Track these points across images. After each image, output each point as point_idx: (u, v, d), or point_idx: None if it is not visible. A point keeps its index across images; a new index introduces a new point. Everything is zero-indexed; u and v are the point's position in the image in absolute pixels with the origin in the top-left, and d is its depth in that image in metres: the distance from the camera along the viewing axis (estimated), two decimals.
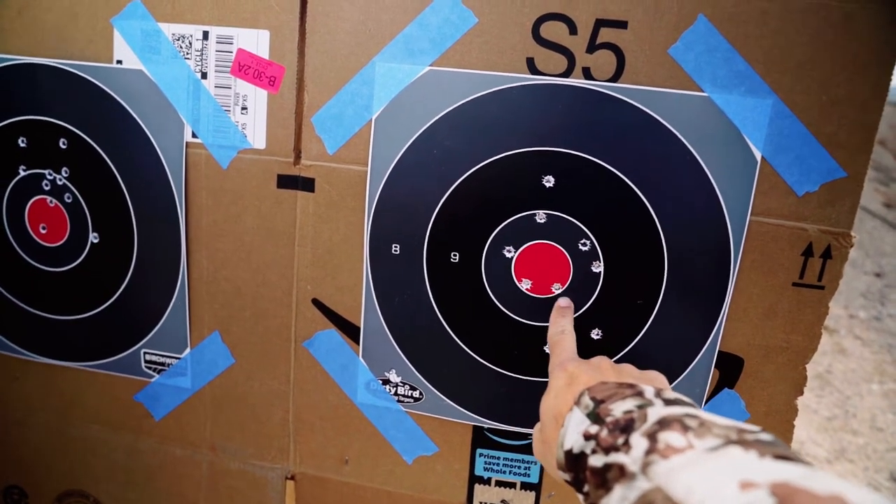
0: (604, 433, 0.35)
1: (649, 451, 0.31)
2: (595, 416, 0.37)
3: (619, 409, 0.36)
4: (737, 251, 0.52)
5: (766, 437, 0.30)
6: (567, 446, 0.38)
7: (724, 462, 0.28)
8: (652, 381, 0.43)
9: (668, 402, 0.36)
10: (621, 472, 0.32)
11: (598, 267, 0.54)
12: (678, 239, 0.53)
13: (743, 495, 0.25)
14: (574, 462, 0.37)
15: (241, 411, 0.65)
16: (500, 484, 0.62)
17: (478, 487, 0.62)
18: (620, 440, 0.33)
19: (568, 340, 0.51)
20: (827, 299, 0.53)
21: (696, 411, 0.34)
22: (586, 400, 0.38)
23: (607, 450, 0.34)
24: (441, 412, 0.60)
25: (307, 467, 0.65)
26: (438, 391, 0.60)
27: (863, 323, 1.89)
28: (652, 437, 0.32)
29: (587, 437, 0.36)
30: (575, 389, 0.42)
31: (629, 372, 0.44)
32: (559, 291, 0.55)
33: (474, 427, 0.61)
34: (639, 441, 0.32)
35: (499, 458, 0.61)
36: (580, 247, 0.54)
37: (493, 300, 0.57)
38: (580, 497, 0.38)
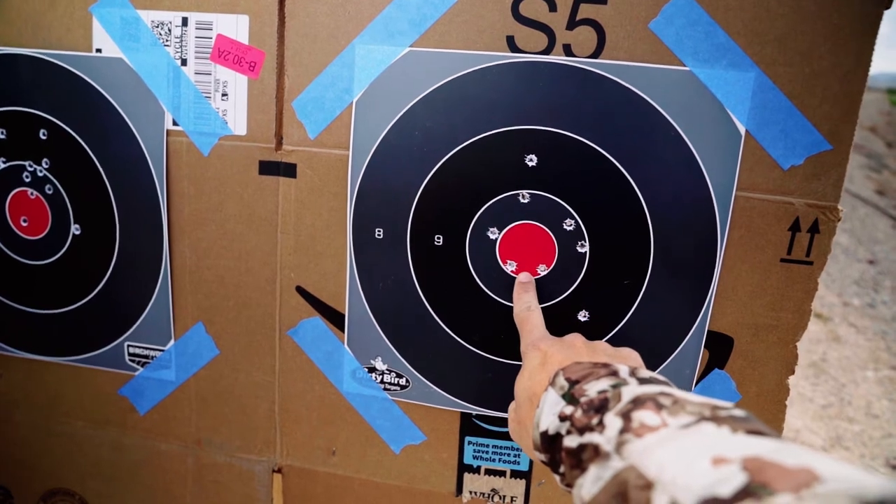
0: (578, 413, 0.35)
1: (623, 431, 0.31)
2: (570, 397, 0.36)
3: (593, 389, 0.35)
4: (723, 227, 0.52)
5: (739, 413, 0.30)
6: (542, 427, 0.37)
7: (696, 438, 0.28)
8: (626, 359, 0.43)
9: (643, 381, 0.35)
10: (596, 453, 0.32)
11: (584, 247, 0.54)
12: (664, 216, 0.52)
13: (715, 471, 0.25)
14: (550, 443, 0.37)
15: (226, 403, 0.64)
16: (489, 472, 0.61)
17: (467, 476, 0.61)
18: (595, 420, 0.33)
19: (536, 317, 0.50)
20: (816, 275, 0.52)
21: (670, 389, 0.34)
22: (561, 381, 0.38)
23: (581, 430, 0.34)
24: (428, 399, 0.59)
25: (294, 459, 0.64)
26: (425, 378, 0.59)
27: (857, 310, 1.88)
28: (626, 416, 0.32)
29: (562, 418, 0.36)
30: (549, 369, 0.41)
31: (603, 350, 0.44)
32: (545, 273, 0.55)
33: (462, 414, 0.60)
34: (613, 420, 0.32)
35: (487, 445, 0.60)
36: (565, 226, 0.53)
37: (478, 283, 0.56)
38: (556, 478, 0.37)
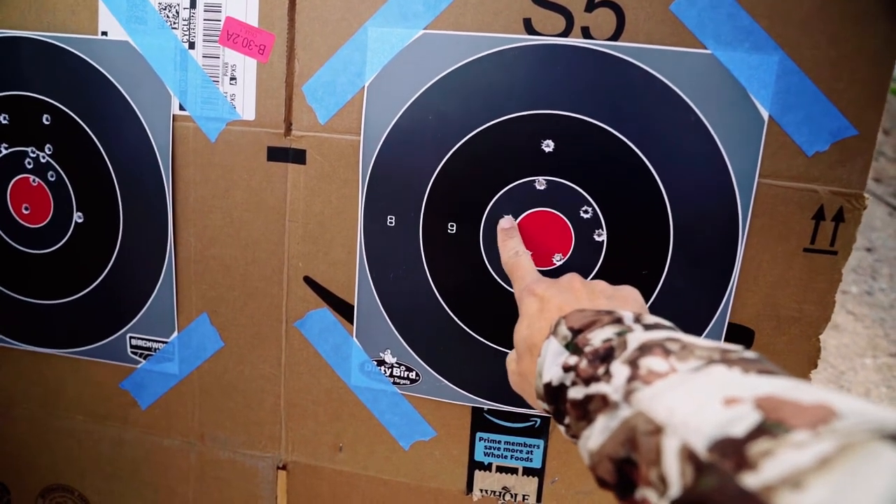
0: (583, 364, 0.33)
1: (631, 379, 0.30)
2: (574, 347, 0.35)
3: (597, 337, 0.34)
4: (745, 216, 0.50)
5: (750, 354, 0.29)
6: (546, 379, 0.36)
7: (706, 380, 0.27)
8: (626, 300, 0.41)
9: (648, 327, 0.34)
10: (604, 403, 0.31)
11: (601, 235, 0.52)
12: (684, 204, 0.51)
13: (727, 411, 0.24)
14: (554, 395, 0.36)
15: (230, 397, 0.62)
16: (501, 469, 0.59)
17: (478, 474, 0.60)
18: (601, 370, 0.32)
19: (526, 261, 0.48)
20: (840, 265, 0.51)
21: (677, 334, 0.33)
22: (563, 330, 0.36)
23: (587, 381, 0.33)
24: (438, 394, 0.58)
25: (300, 455, 0.62)
26: (435, 372, 0.57)
27: (855, 298, 1.87)
28: (633, 363, 0.31)
29: (566, 368, 0.35)
30: (548, 316, 0.40)
31: (601, 290, 0.42)
32: (561, 262, 0.53)
33: (473, 409, 0.58)
34: (620, 369, 0.31)
35: (500, 441, 0.59)
36: (582, 214, 0.52)
37: (491, 273, 0.54)
38: (561, 429, 0.36)
